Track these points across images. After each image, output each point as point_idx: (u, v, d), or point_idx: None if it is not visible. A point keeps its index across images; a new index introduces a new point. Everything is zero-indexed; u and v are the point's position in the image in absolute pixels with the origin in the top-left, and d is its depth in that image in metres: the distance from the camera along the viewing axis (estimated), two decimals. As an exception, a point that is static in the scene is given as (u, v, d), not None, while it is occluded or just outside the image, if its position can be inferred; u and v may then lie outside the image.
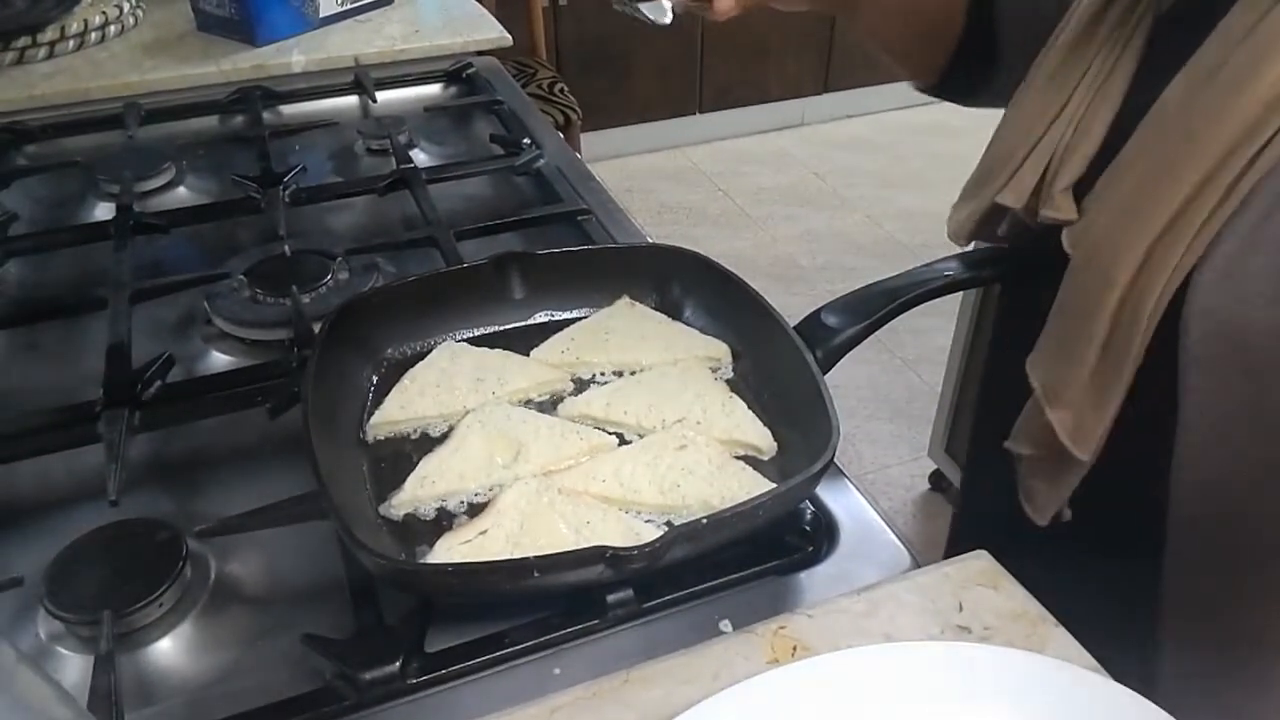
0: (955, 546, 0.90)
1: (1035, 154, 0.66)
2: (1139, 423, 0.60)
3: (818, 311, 0.70)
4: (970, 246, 0.75)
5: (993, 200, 0.68)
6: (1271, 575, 0.61)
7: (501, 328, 0.79)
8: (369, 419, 0.69)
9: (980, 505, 0.89)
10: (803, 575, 0.61)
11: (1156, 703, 0.58)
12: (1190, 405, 0.58)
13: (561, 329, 0.77)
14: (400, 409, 0.70)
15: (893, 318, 0.70)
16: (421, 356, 0.74)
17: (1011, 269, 0.71)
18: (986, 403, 0.89)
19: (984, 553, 0.60)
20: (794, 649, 0.54)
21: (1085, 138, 0.64)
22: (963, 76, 0.80)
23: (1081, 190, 0.64)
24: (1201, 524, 0.61)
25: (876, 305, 0.70)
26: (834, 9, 0.76)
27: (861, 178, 3.46)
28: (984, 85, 0.80)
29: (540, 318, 0.80)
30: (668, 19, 0.77)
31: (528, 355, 0.75)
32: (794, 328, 0.69)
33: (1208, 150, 0.55)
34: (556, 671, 0.56)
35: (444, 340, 0.77)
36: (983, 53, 0.78)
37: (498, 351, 0.75)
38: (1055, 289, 0.64)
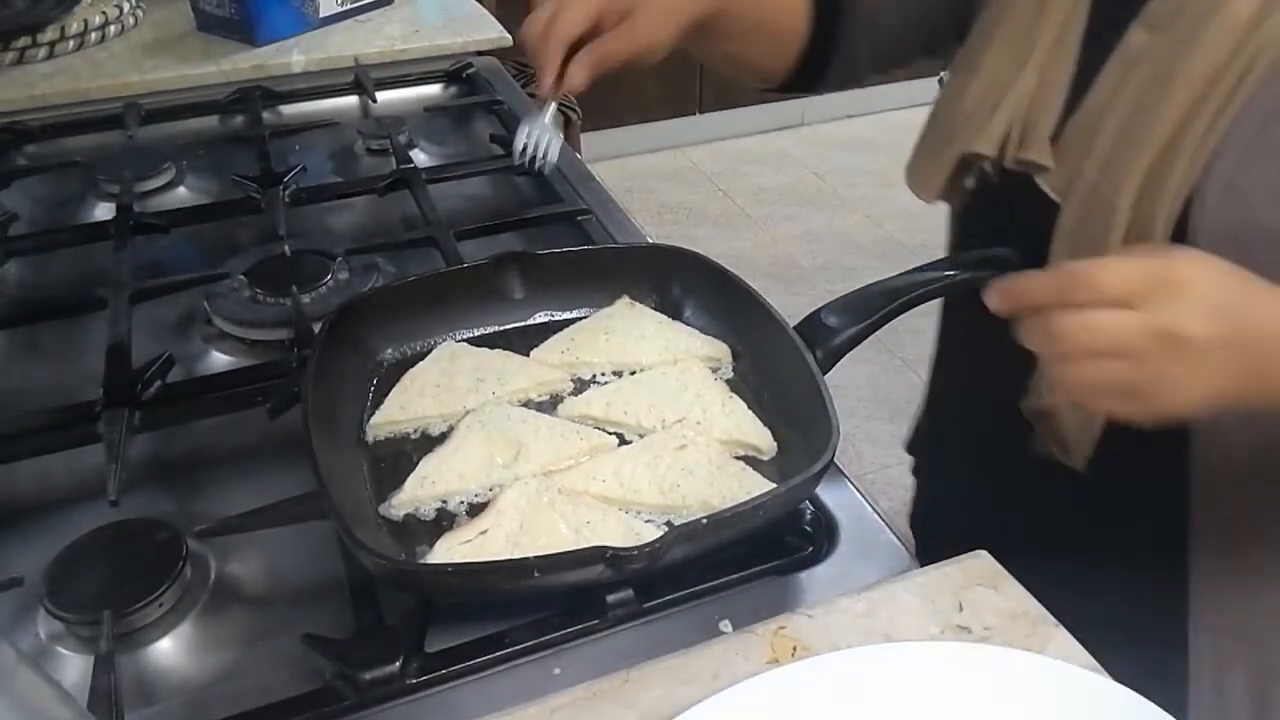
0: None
1: (1005, 104, 0.68)
2: None
3: (818, 311, 0.70)
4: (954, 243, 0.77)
5: (963, 152, 0.70)
6: None
7: (501, 328, 0.79)
8: (369, 419, 0.69)
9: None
10: (803, 575, 0.61)
11: (1188, 657, 0.65)
12: None
13: (561, 329, 0.77)
14: (400, 409, 0.70)
15: (893, 318, 0.69)
16: (422, 356, 0.74)
17: (1013, 268, 0.71)
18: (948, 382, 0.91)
19: (984, 553, 0.60)
20: (794, 649, 0.54)
21: (1052, 87, 0.68)
22: (807, 75, 0.85)
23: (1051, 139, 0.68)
24: (1225, 439, 0.63)
25: (877, 305, 0.70)
26: (687, 46, 0.76)
27: (861, 178, 3.46)
28: (823, 78, 0.85)
29: (540, 318, 0.80)
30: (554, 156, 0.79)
31: (528, 355, 0.75)
32: (794, 328, 0.69)
33: (1188, 85, 0.60)
34: (556, 671, 0.56)
35: (444, 340, 0.77)
36: (824, 51, 0.83)
37: (498, 351, 0.75)
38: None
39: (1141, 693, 0.49)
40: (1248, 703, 0.69)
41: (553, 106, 0.76)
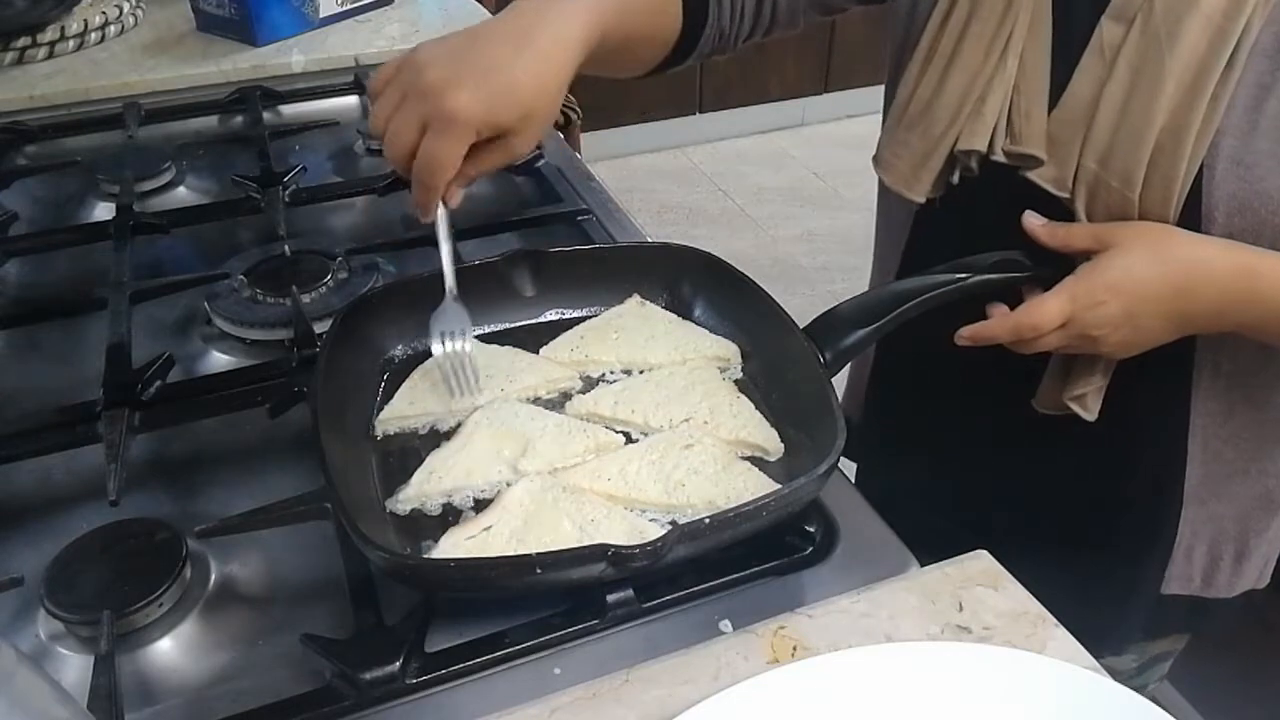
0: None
1: (992, 95, 0.71)
2: None
3: (828, 313, 0.70)
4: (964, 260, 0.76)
5: (956, 148, 0.72)
6: None
7: (511, 325, 0.79)
8: (378, 414, 0.70)
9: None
10: (803, 575, 0.61)
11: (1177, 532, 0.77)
12: None
13: (572, 327, 0.77)
14: (409, 405, 0.70)
15: (903, 320, 0.69)
16: (431, 353, 0.74)
17: (1024, 269, 0.72)
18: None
19: (984, 553, 0.60)
20: (794, 649, 0.54)
21: (1036, 80, 0.70)
22: (671, 62, 0.83)
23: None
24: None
25: (887, 308, 0.70)
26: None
27: (861, 178, 3.44)
28: (686, 60, 0.84)
29: (550, 315, 0.80)
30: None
31: (537, 353, 0.75)
32: (803, 329, 0.69)
33: (1179, 74, 0.64)
34: (556, 671, 0.55)
35: (454, 337, 0.77)
36: (690, 44, 0.82)
37: (507, 349, 0.75)
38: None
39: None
40: (1201, 561, 0.82)
41: (445, 226, 0.70)
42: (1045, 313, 0.66)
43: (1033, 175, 0.70)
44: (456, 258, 0.72)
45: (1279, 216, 0.65)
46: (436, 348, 0.69)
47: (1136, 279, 0.64)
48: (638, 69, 0.83)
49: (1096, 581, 0.83)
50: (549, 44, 0.63)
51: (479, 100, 0.60)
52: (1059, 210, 0.70)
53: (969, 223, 0.74)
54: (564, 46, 0.64)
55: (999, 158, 0.71)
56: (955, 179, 0.74)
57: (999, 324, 0.68)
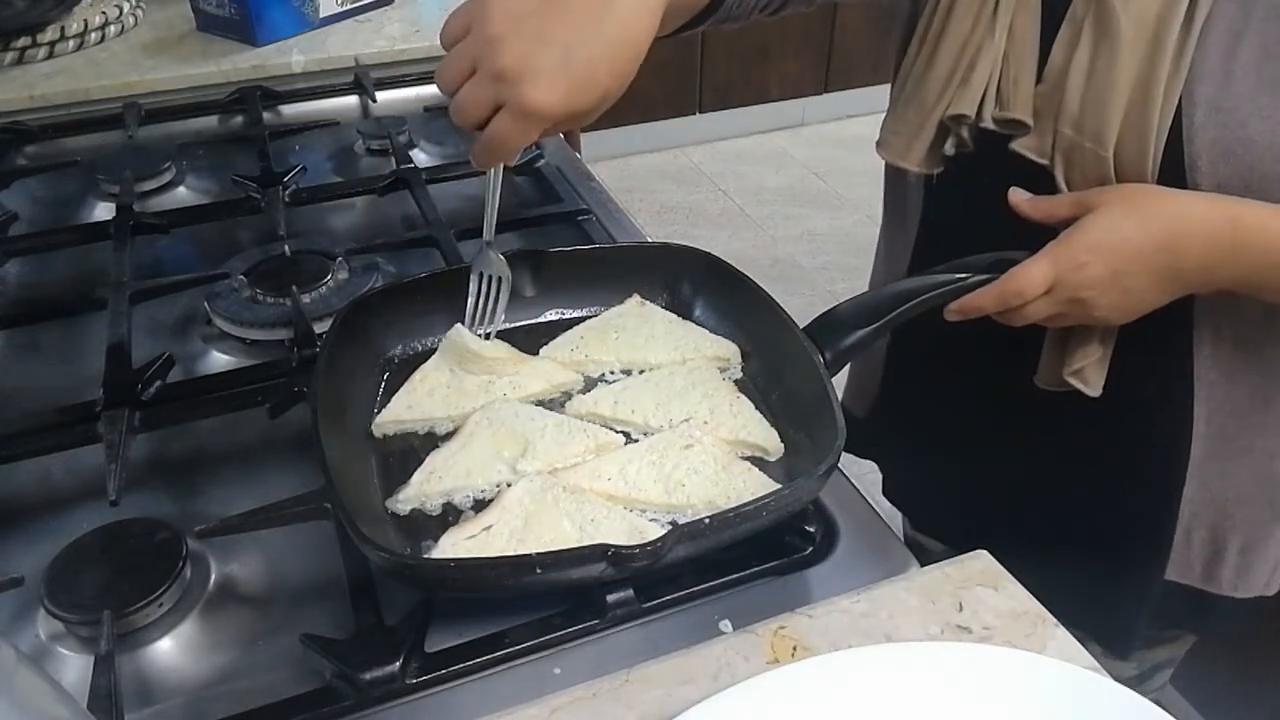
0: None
1: (981, 63, 0.72)
2: None
3: (828, 313, 0.70)
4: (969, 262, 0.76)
5: (945, 115, 0.74)
6: None
7: (511, 325, 0.79)
8: (378, 415, 0.70)
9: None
10: (803, 575, 0.61)
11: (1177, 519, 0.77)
12: None
13: (571, 327, 0.77)
14: (409, 406, 0.70)
15: (903, 320, 0.69)
16: (431, 353, 0.74)
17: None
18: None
19: (984, 553, 0.60)
20: (794, 649, 0.54)
21: (1025, 45, 0.72)
22: (691, 24, 0.83)
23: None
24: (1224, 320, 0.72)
25: (887, 308, 0.70)
26: None
27: (861, 178, 3.46)
28: (701, 22, 0.84)
29: (550, 315, 0.80)
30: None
31: (537, 353, 0.75)
32: (804, 329, 0.69)
33: (1139, 30, 0.66)
34: (556, 671, 0.55)
35: (454, 337, 0.77)
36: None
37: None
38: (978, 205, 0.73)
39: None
40: (1206, 550, 0.81)
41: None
42: (1029, 277, 0.66)
43: (1017, 145, 0.71)
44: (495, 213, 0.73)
45: (1264, 162, 0.65)
46: (474, 284, 0.73)
47: (1118, 237, 0.65)
48: (662, 30, 0.79)
49: (1102, 571, 0.83)
50: (628, 13, 0.59)
51: (558, 95, 0.57)
52: (1049, 183, 0.71)
53: (975, 201, 0.75)
54: (643, 13, 0.60)
55: (988, 124, 0.72)
56: (950, 150, 0.76)
57: (984, 293, 0.68)
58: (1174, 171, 0.67)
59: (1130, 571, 0.85)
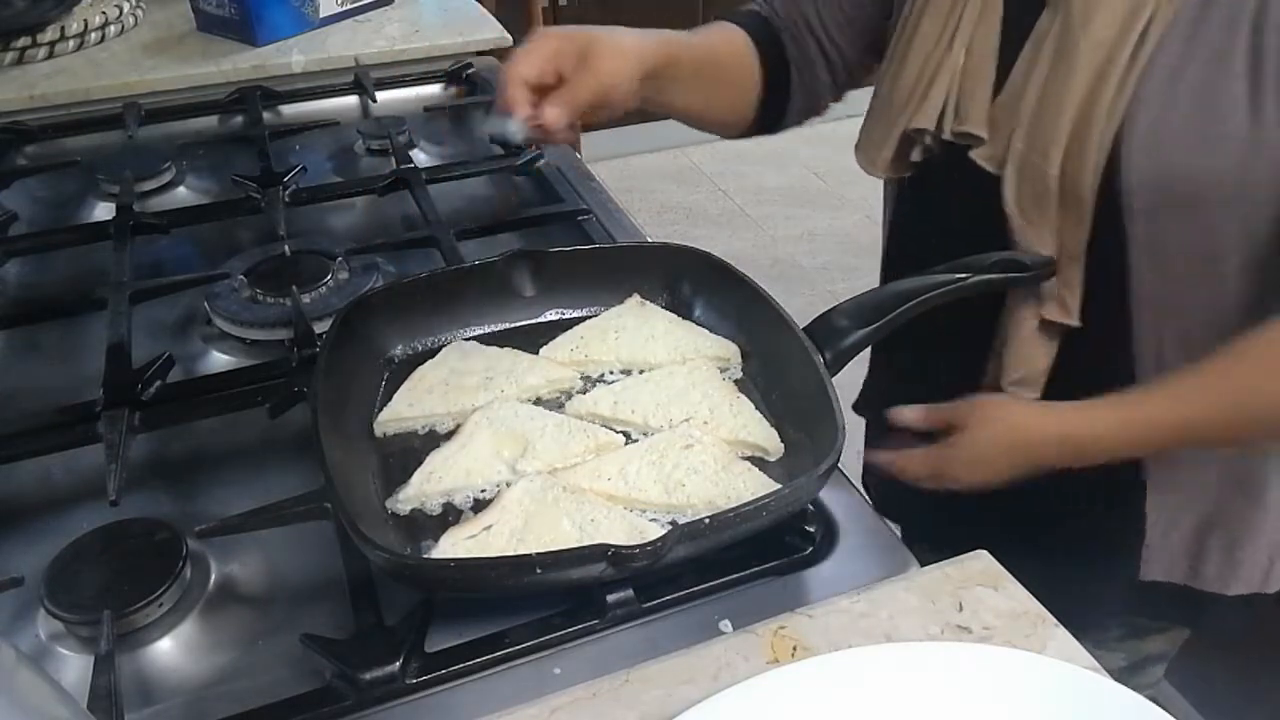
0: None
1: (939, 80, 0.78)
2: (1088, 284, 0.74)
3: (828, 313, 0.70)
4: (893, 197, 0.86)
5: (906, 128, 0.79)
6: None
7: (511, 325, 0.79)
8: (378, 415, 0.70)
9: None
10: (803, 575, 0.61)
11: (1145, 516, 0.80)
12: (1138, 250, 0.72)
13: (571, 327, 0.77)
14: (409, 406, 0.70)
15: (904, 320, 0.69)
16: (431, 353, 0.74)
17: (1025, 270, 0.73)
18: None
19: (984, 553, 0.60)
20: (794, 649, 0.54)
21: (981, 61, 0.76)
22: (769, 118, 0.93)
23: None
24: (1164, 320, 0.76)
25: (888, 308, 0.70)
26: (650, 96, 0.82)
27: (861, 177, 3.43)
28: (782, 120, 0.94)
29: (550, 315, 0.80)
30: (519, 137, 0.76)
31: (537, 353, 0.75)
32: (804, 329, 0.69)
33: (1089, 57, 0.70)
34: (556, 671, 0.55)
35: (453, 337, 0.77)
36: (781, 93, 0.91)
37: (507, 350, 0.75)
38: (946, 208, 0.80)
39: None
40: (1187, 545, 0.83)
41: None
42: (913, 470, 0.76)
43: (975, 154, 0.76)
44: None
45: (1192, 192, 0.69)
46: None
47: (980, 458, 0.74)
48: (726, 113, 0.91)
49: (1070, 566, 0.83)
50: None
51: None
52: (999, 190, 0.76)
53: (939, 205, 0.82)
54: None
55: (948, 136, 0.77)
56: (917, 157, 0.80)
57: (902, 460, 0.77)
58: (1110, 196, 0.71)
59: (1104, 575, 0.86)
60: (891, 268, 0.94)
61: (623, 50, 0.75)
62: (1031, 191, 0.73)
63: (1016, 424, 0.74)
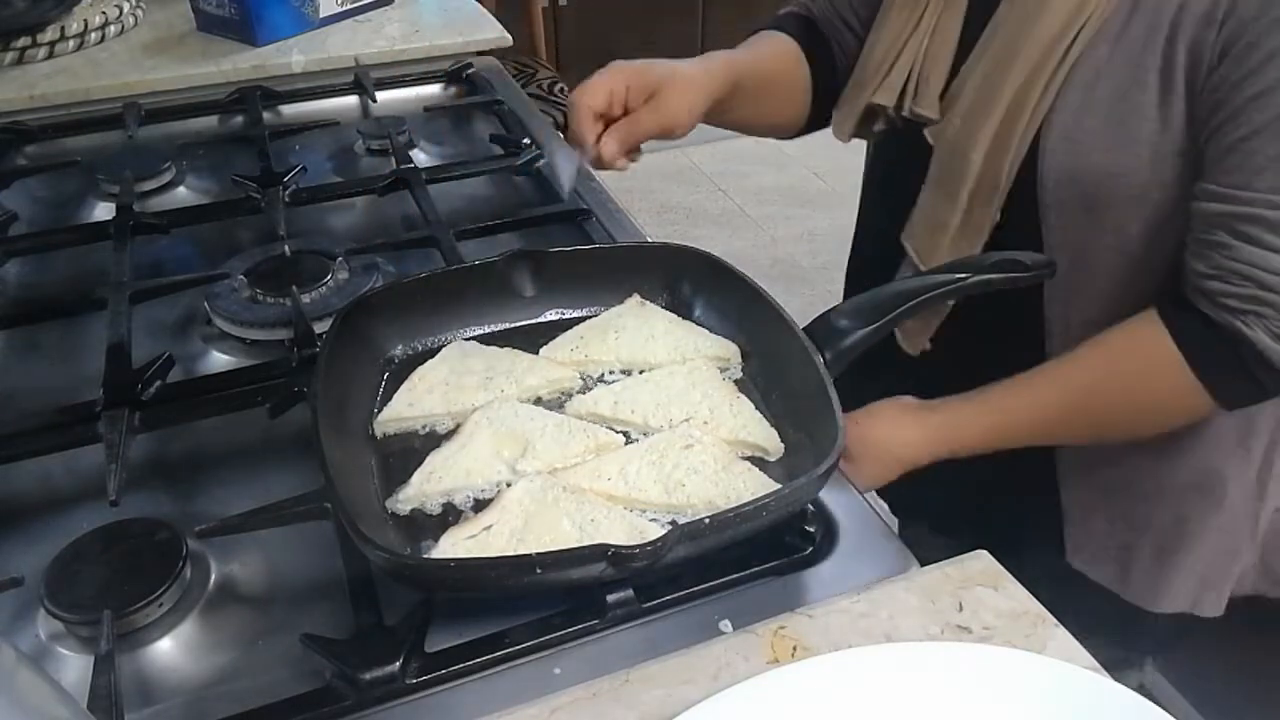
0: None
1: (901, 60, 0.83)
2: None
3: (828, 313, 0.70)
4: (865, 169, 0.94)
5: (868, 101, 0.85)
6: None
7: (511, 325, 0.79)
8: (378, 415, 0.70)
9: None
10: (803, 575, 0.61)
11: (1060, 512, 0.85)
12: (1051, 238, 0.77)
13: (571, 327, 0.77)
14: (409, 406, 0.70)
15: (904, 320, 0.70)
16: (431, 353, 0.74)
17: (1025, 269, 0.73)
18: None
19: (984, 553, 0.60)
20: (794, 649, 0.54)
21: (942, 46, 0.82)
22: (817, 119, 0.97)
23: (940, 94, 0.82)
24: (1070, 314, 0.80)
25: (888, 308, 0.70)
26: (708, 121, 0.86)
27: (861, 177, 3.46)
28: (829, 116, 0.96)
29: (550, 315, 0.80)
30: (565, 181, 0.81)
31: (537, 353, 0.75)
32: (804, 329, 0.69)
33: (1030, 52, 0.74)
34: (556, 671, 0.55)
35: (454, 337, 0.77)
36: (829, 98, 0.94)
37: (507, 350, 0.75)
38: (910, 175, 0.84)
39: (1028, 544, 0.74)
40: (1113, 541, 0.87)
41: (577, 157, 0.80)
42: None
43: (926, 131, 0.82)
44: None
45: (1102, 188, 0.74)
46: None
47: (861, 472, 0.76)
48: (778, 118, 0.97)
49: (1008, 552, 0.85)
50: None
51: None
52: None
53: (899, 170, 0.87)
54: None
55: (906, 114, 0.83)
56: (879, 127, 0.88)
57: None
58: (1025, 187, 0.76)
59: (1029, 555, 0.86)
60: (858, 238, 1.01)
61: (690, 90, 0.80)
62: (948, 173, 0.79)
63: (902, 446, 0.78)
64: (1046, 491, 0.87)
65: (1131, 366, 0.75)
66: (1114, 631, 0.91)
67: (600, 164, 0.78)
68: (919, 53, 0.82)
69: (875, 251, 0.89)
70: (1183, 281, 0.73)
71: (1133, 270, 0.77)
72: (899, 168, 0.88)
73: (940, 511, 0.97)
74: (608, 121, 0.78)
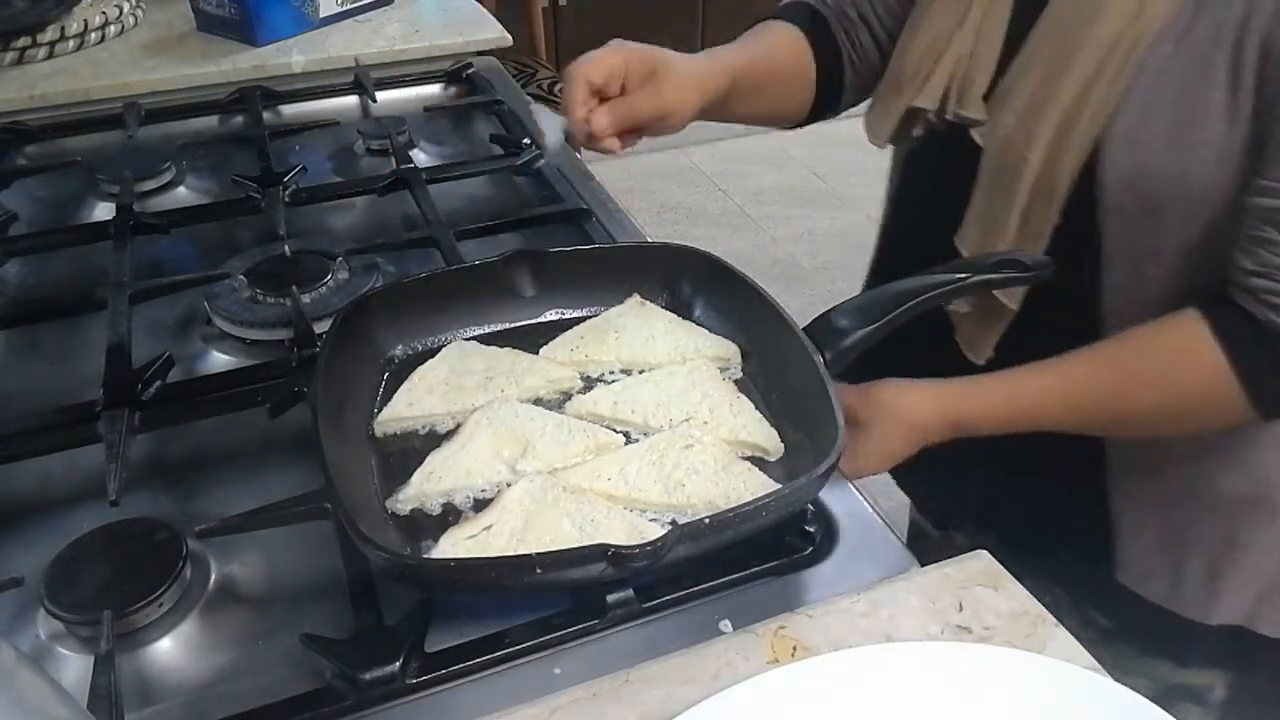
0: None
1: (944, 61, 0.80)
2: (1060, 273, 0.75)
3: (828, 313, 0.70)
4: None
5: (909, 105, 0.82)
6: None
7: (511, 325, 0.79)
8: (378, 415, 0.70)
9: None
10: (803, 575, 0.61)
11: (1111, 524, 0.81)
12: (1110, 244, 0.75)
13: (571, 327, 0.77)
14: (409, 405, 0.70)
15: (904, 320, 0.70)
16: (431, 353, 0.74)
17: (1026, 269, 0.73)
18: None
19: (984, 553, 0.60)
20: (794, 649, 0.54)
21: (987, 46, 0.79)
22: (821, 110, 0.95)
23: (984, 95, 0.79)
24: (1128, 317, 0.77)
25: (888, 308, 0.70)
26: (707, 117, 0.84)
27: (861, 177, 3.46)
28: (836, 107, 0.96)
29: (550, 315, 0.80)
30: (551, 141, 0.78)
31: (537, 353, 0.75)
32: (804, 329, 0.69)
33: (1090, 52, 0.72)
34: (556, 671, 0.55)
35: (453, 337, 0.77)
36: (833, 89, 0.93)
37: (507, 350, 0.75)
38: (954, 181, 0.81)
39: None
40: (1165, 558, 0.83)
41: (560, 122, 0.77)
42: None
43: (974, 132, 0.79)
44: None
45: (1163, 194, 0.72)
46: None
47: (878, 449, 0.76)
48: (782, 109, 0.94)
49: (1053, 566, 0.84)
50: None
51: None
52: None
53: (936, 175, 0.85)
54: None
55: (950, 117, 0.80)
56: (919, 131, 0.83)
57: None
58: (1084, 191, 0.74)
59: (1076, 572, 0.86)
60: (887, 239, 0.97)
61: (688, 80, 0.78)
62: (1004, 174, 0.77)
63: (908, 409, 0.76)
64: (1094, 502, 0.84)
65: (1164, 354, 0.73)
66: (1170, 646, 0.88)
67: (590, 141, 0.75)
68: (963, 54, 0.79)
69: (908, 254, 0.83)
70: (1228, 278, 0.72)
71: (1193, 273, 0.74)
72: (937, 170, 0.85)
73: (981, 520, 0.94)
74: (603, 99, 0.75)
